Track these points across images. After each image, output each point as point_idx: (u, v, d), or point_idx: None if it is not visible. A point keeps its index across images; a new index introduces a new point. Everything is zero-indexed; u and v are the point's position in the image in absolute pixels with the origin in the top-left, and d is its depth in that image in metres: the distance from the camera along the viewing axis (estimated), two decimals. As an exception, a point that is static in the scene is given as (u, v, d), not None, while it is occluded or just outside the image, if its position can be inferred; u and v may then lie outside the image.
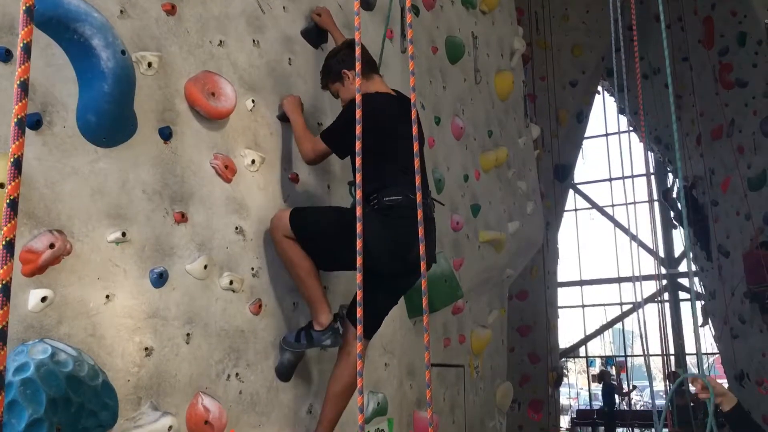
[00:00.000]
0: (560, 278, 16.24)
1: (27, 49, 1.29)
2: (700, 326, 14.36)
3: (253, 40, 3.38)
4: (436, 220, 3.39)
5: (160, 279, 2.65)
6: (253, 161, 3.22)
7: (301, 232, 3.16)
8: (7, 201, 1.25)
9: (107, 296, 2.44)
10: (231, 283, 2.98)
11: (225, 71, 3.15)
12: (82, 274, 2.38)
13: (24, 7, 1.32)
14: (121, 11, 2.69)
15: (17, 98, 1.27)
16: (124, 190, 2.57)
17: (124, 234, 2.52)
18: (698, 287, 14.02)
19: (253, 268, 3.15)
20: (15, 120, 1.28)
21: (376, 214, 3.15)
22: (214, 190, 2.99)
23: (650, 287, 17.85)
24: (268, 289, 3.24)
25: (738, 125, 12.36)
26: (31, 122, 2.30)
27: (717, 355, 15.04)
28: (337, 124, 3.38)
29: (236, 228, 3.08)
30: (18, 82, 1.27)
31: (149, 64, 2.74)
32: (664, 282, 17.47)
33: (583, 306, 21.10)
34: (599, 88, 16.61)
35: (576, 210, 21.04)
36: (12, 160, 1.27)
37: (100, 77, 2.41)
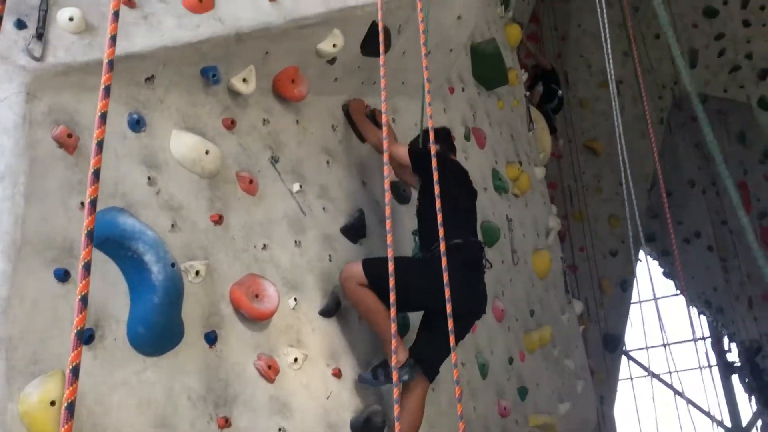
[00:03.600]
0: (621, 454, 15.24)
1: (87, 267, 1.45)
2: None
3: (295, 241, 3.54)
4: None
5: (202, 489, 2.61)
6: (295, 359, 3.25)
7: (375, 279, 3.43)
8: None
9: None
10: (274, 489, 2.91)
11: (269, 273, 3.28)
12: (124, 489, 2.37)
13: (86, 231, 1.47)
14: (172, 225, 2.88)
15: (78, 311, 1.40)
16: (170, 399, 2.61)
17: (167, 444, 2.53)
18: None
19: (296, 471, 3.08)
20: (75, 331, 1.39)
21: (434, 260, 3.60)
22: (258, 392, 3.01)
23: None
24: (312, 492, 3.15)
25: (789, 287, 12.11)
26: (85, 337, 2.40)
27: None
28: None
29: (279, 429, 3.05)
30: (79, 296, 1.40)
31: (197, 273, 2.89)
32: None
33: (650, 484, 19.59)
34: (641, 254, 16.48)
35: (632, 378, 20.11)
36: (71, 367, 1.37)
37: (150, 290, 2.55)
